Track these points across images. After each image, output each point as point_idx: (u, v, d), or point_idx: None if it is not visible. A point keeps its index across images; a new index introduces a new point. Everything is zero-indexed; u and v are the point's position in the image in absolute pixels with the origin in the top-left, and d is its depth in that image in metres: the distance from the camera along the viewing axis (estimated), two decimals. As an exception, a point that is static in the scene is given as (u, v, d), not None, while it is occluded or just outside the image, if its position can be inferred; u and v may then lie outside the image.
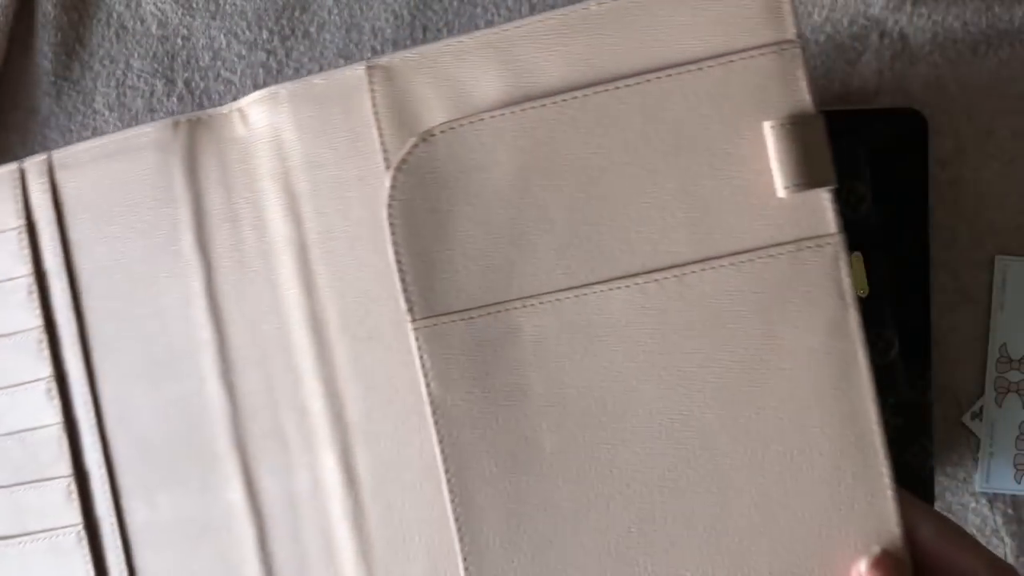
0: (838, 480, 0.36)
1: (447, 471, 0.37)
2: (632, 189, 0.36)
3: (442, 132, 0.36)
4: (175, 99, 0.62)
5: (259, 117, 0.40)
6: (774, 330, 0.36)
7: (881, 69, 0.61)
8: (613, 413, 0.36)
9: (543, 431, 0.36)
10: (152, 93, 0.62)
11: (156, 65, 0.62)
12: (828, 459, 0.36)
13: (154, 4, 0.62)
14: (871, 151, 0.57)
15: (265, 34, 0.62)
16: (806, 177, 0.36)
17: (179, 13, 0.62)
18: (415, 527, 0.38)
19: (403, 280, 0.37)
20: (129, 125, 0.62)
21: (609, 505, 0.36)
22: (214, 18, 0.62)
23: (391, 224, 0.37)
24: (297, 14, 0.62)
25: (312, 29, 0.62)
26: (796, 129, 0.36)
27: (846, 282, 0.37)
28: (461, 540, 0.37)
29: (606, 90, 0.36)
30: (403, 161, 0.37)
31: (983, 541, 0.61)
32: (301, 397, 0.39)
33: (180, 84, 0.62)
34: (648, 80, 0.36)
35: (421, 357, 0.37)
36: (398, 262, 0.37)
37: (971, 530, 0.62)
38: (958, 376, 0.61)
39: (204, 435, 0.40)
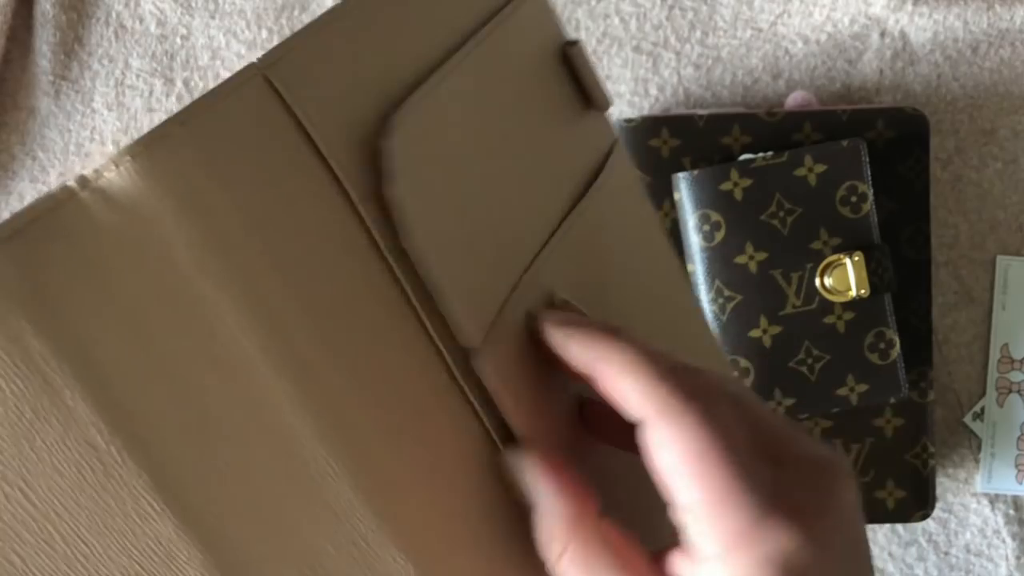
0: None
1: None
2: (529, 136, 0.35)
3: (401, 123, 0.28)
4: (174, 99, 0.62)
5: (143, 186, 0.24)
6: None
7: (882, 68, 0.61)
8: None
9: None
10: (151, 92, 0.62)
11: (155, 64, 0.62)
12: None
13: (153, 3, 0.62)
14: (872, 150, 0.57)
15: (264, 33, 0.62)
16: (607, 91, 0.39)
17: (178, 12, 0.62)
18: None
19: (450, 310, 0.28)
20: (128, 125, 0.62)
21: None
22: (213, 17, 0.62)
23: (418, 253, 0.28)
24: (296, 13, 0.62)
25: (311, 28, 0.62)
26: (583, 50, 0.38)
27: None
28: None
29: (466, 54, 0.32)
30: (390, 173, 0.28)
31: (984, 543, 0.61)
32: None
33: (179, 84, 0.62)
34: (479, 38, 0.33)
35: (496, 391, 0.29)
36: (439, 291, 0.28)
37: (972, 531, 0.61)
38: (959, 376, 0.61)
39: None
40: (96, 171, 0.23)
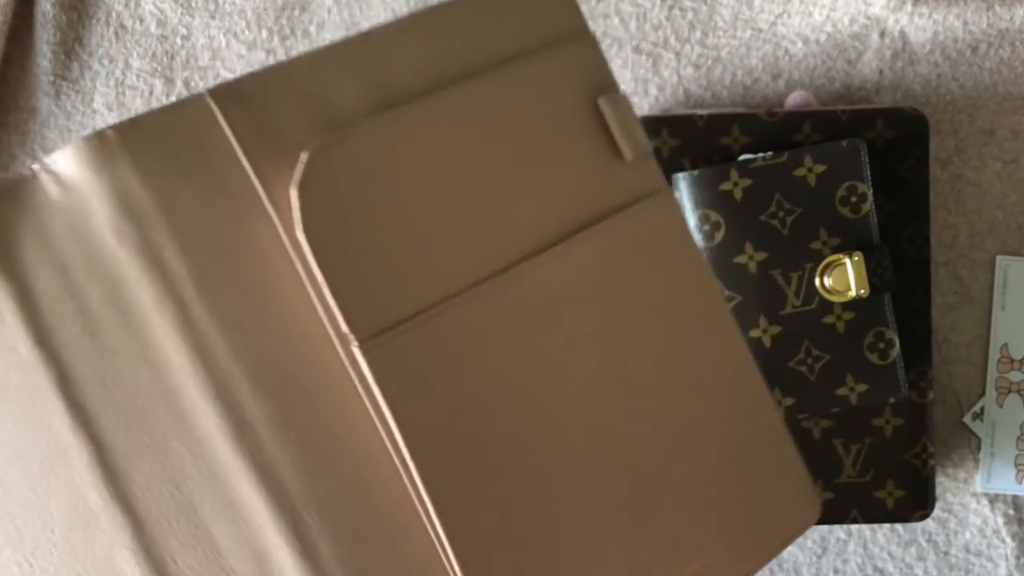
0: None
1: (431, 492, 0.34)
2: (507, 177, 0.37)
3: (329, 147, 0.34)
4: (174, 98, 0.62)
5: (82, 174, 0.33)
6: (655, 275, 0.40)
7: (882, 68, 0.61)
8: (553, 389, 0.37)
9: (501, 426, 0.36)
10: (151, 92, 0.62)
11: (155, 64, 0.62)
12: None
13: (153, 3, 0.62)
14: (872, 150, 0.57)
15: (264, 33, 0.62)
16: (642, 141, 0.41)
17: (178, 12, 0.62)
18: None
19: (340, 300, 0.33)
20: (128, 125, 0.62)
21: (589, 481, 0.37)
22: (213, 17, 0.62)
23: (313, 245, 0.33)
24: (297, 13, 0.62)
25: (312, 28, 0.62)
26: (624, 101, 0.40)
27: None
28: (458, 556, 0.34)
29: (457, 89, 0.37)
30: (304, 181, 0.33)
31: (984, 543, 0.61)
32: (225, 485, 0.33)
33: (179, 83, 0.62)
34: (488, 75, 0.37)
35: (378, 379, 0.34)
36: (329, 283, 0.33)
37: (972, 531, 0.62)
38: (959, 376, 0.61)
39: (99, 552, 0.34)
40: (54, 157, 0.33)
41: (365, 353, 0.33)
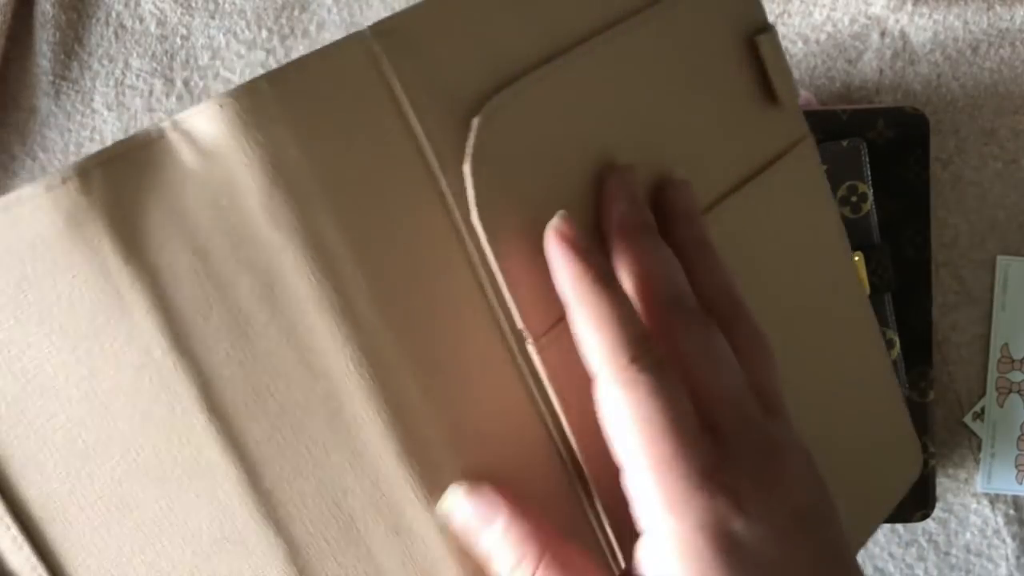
0: None
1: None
2: (676, 123, 0.34)
3: (504, 109, 0.29)
4: (174, 98, 0.62)
5: (229, 136, 0.26)
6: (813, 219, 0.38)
7: (882, 68, 0.61)
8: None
9: None
10: (151, 92, 0.62)
11: (155, 64, 0.62)
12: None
13: (153, 3, 0.62)
14: (872, 150, 0.57)
15: (264, 33, 0.62)
16: (794, 84, 0.39)
17: (178, 12, 0.62)
18: None
19: (516, 294, 0.29)
20: (128, 125, 0.62)
21: None
22: (213, 17, 0.62)
23: (489, 232, 0.28)
24: (297, 13, 0.62)
25: (312, 28, 0.62)
26: (779, 42, 0.38)
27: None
28: None
29: (624, 27, 0.33)
30: (477, 153, 0.28)
31: (984, 543, 0.61)
32: (391, 504, 0.28)
33: (179, 83, 0.62)
34: (650, 11, 0.34)
35: (551, 377, 0.30)
36: (506, 275, 0.29)
37: (972, 531, 0.61)
38: (959, 376, 0.61)
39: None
40: (186, 116, 0.26)
41: (540, 351, 0.29)
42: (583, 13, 0.32)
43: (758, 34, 0.37)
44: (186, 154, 0.26)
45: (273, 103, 0.26)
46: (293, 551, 0.28)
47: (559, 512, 0.30)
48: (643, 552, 0.27)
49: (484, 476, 0.28)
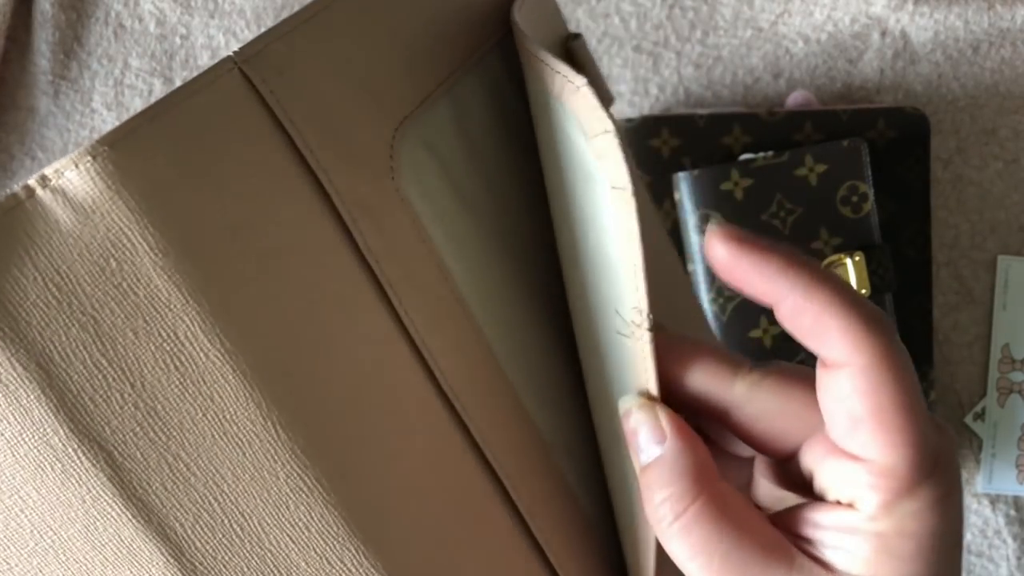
0: None
1: None
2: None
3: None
4: (173, 98, 0.62)
5: (98, 184, 0.23)
6: None
7: (883, 68, 0.61)
8: None
9: None
10: (151, 92, 0.62)
11: (154, 64, 0.62)
12: None
13: (152, 3, 0.62)
14: (873, 150, 0.57)
15: (264, 33, 0.62)
16: (605, 86, 0.39)
17: (177, 12, 0.62)
18: None
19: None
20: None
21: None
22: (212, 17, 0.62)
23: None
24: (296, 13, 0.62)
25: (311, 28, 0.62)
26: (585, 45, 0.37)
27: None
28: None
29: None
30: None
31: (985, 543, 0.61)
32: None
33: (178, 83, 0.62)
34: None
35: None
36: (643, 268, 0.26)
37: (973, 532, 0.61)
38: (960, 376, 0.61)
39: None
40: (57, 170, 0.23)
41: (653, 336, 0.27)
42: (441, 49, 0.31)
43: (569, 42, 0.36)
44: (61, 215, 0.23)
45: (154, 146, 0.23)
46: None
47: (508, 556, 0.28)
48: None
49: (427, 530, 0.27)
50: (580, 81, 0.26)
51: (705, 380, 0.28)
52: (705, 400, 0.28)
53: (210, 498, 0.24)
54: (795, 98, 0.59)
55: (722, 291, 0.56)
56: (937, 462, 0.25)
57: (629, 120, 0.58)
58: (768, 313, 0.56)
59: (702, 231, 0.56)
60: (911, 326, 0.58)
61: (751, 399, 0.27)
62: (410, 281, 0.27)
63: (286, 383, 0.24)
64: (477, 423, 0.28)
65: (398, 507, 0.26)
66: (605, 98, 0.37)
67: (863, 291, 0.55)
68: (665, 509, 0.26)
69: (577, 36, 0.37)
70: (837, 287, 0.26)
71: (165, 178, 0.23)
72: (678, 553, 0.26)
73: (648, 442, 0.27)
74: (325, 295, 0.25)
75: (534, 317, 0.32)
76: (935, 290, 0.60)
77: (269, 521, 0.25)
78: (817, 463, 0.26)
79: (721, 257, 0.27)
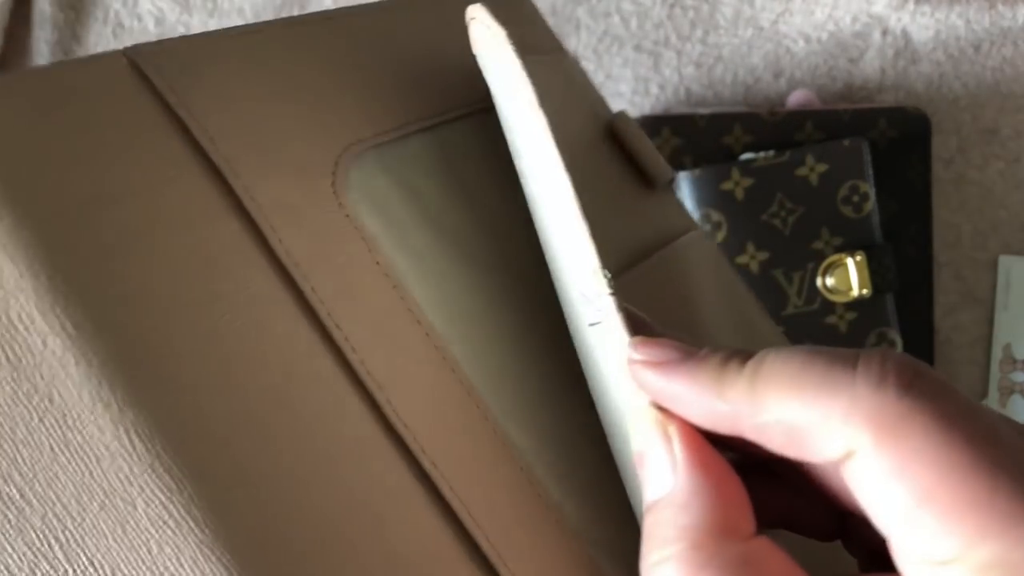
0: None
1: None
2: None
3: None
4: (173, 98, 0.62)
5: None
6: None
7: (884, 67, 0.61)
8: None
9: None
10: (149, 92, 0.62)
11: (153, 64, 0.62)
12: None
13: (151, 2, 0.62)
14: (874, 150, 0.57)
15: (263, 32, 0.62)
16: (661, 162, 0.37)
17: (176, 11, 0.62)
18: None
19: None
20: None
21: None
22: (211, 16, 0.62)
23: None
24: (296, 12, 0.61)
25: (311, 27, 0.62)
26: (629, 118, 0.36)
27: None
28: None
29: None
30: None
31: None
32: None
33: (178, 83, 0.62)
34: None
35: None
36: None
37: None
38: (961, 377, 0.61)
39: None
40: None
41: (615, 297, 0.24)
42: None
43: (615, 123, 0.35)
44: None
45: (9, 101, 0.20)
46: None
47: None
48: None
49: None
50: (499, 32, 0.25)
51: (686, 384, 0.21)
52: (699, 418, 0.21)
53: (50, 538, 0.19)
54: (796, 97, 0.59)
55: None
56: None
57: (629, 120, 0.58)
58: (770, 314, 0.56)
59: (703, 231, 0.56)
60: (912, 326, 0.58)
61: (756, 399, 0.20)
62: (348, 294, 0.24)
63: (146, 378, 0.19)
64: (430, 451, 0.23)
65: (313, 553, 0.20)
66: (662, 176, 0.35)
67: (865, 291, 0.54)
68: (666, 572, 0.19)
69: (620, 114, 0.36)
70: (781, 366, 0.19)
71: (17, 138, 0.20)
72: None
73: (656, 471, 0.20)
74: (214, 279, 0.21)
75: (541, 348, 0.29)
76: (936, 290, 0.60)
77: (126, 570, 0.19)
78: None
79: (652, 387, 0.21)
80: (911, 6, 0.60)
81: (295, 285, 0.23)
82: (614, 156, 0.34)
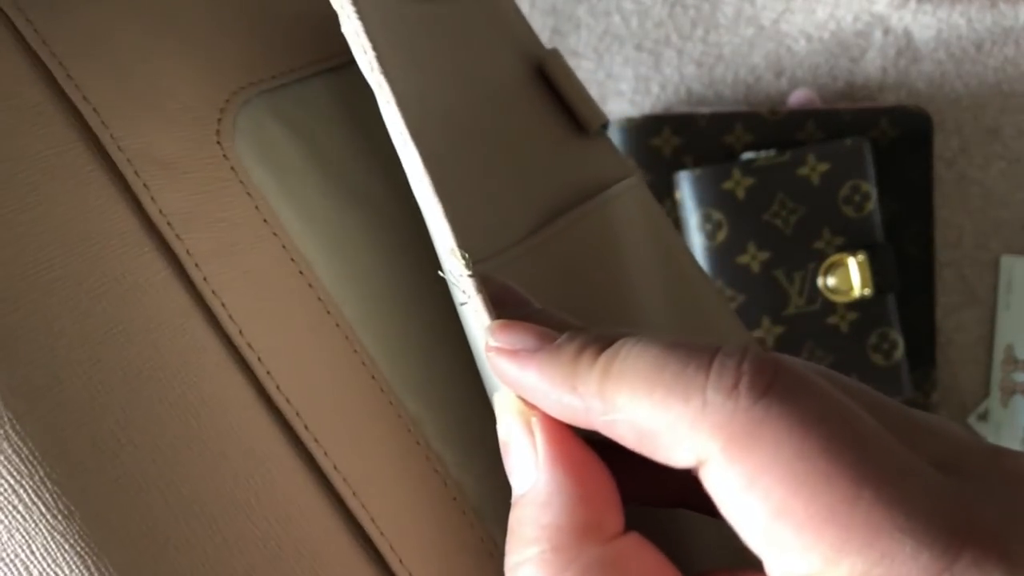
0: None
1: None
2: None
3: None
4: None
5: None
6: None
7: (885, 66, 0.60)
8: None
9: None
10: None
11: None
12: None
13: None
14: (875, 149, 0.57)
15: (263, 31, 0.61)
16: (594, 105, 0.33)
17: None
18: None
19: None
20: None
21: None
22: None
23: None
24: (295, 11, 0.61)
25: (310, 26, 0.61)
26: (562, 60, 0.33)
27: None
28: None
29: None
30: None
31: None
32: None
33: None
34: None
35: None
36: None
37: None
38: (963, 377, 0.61)
39: None
40: None
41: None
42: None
43: (546, 62, 0.32)
44: None
45: None
46: None
47: None
48: None
49: None
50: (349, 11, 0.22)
51: (538, 376, 0.19)
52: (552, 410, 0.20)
53: None
54: (797, 97, 0.58)
55: (723, 291, 0.55)
56: (979, 532, 0.17)
57: (630, 119, 0.58)
58: (770, 313, 0.55)
59: (704, 231, 0.56)
60: (914, 326, 0.58)
61: (606, 396, 0.19)
62: (227, 253, 0.22)
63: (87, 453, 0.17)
64: (314, 427, 0.22)
65: (180, 539, 0.19)
66: (593, 120, 0.32)
67: (866, 291, 0.54)
68: (511, 548, 0.19)
69: (552, 52, 0.33)
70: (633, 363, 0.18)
71: None
72: None
73: (519, 465, 0.20)
74: (78, 241, 0.20)
75: (443, 312, 0.27)
76: (938, 290, 0.60)
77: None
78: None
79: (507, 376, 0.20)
80: (913, 5, 0.60)
81: (168, 246, 0.21)
82: (544, 98, 0.31)
